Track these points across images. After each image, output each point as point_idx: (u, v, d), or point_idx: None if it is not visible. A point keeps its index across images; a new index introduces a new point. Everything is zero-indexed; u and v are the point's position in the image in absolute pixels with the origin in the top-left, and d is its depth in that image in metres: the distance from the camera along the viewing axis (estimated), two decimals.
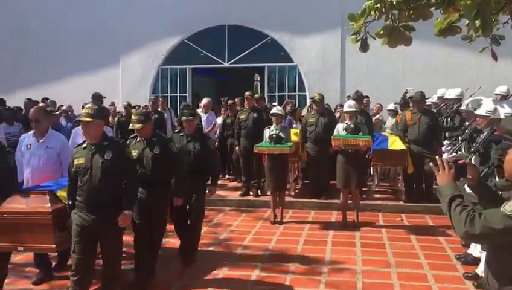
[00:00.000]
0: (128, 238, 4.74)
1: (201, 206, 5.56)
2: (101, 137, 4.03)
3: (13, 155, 4.42)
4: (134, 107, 9.59)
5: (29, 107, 8.90)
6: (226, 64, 13.41)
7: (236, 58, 13.30)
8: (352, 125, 6.82)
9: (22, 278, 5.01)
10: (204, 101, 10.29)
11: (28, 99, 9.39)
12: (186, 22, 13.10)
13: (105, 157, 3.93)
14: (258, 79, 14.97)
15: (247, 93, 9.00)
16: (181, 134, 5.59)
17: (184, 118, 5.56)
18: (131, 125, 4.69)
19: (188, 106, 11.19)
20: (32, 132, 4.87)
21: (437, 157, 2.52)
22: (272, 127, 7.31)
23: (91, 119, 3.92)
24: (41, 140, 4.81)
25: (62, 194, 4.20)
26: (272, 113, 7.40)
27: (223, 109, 10.79)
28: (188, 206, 5.40)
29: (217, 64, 13.54)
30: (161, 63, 13.72)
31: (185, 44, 13.53)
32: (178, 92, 13.86)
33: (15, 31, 13.90)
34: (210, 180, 5.63)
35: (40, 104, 9.60)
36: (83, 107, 4.33)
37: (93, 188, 3.91)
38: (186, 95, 13.75)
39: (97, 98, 9.47)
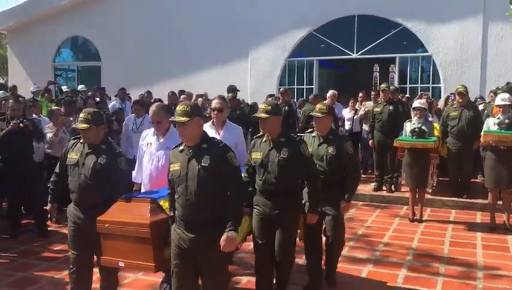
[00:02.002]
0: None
1: (339, 227, 4.43)
2: (200, 138, 3.28)
3: (125, 158, 3.97)
4: (260, 100, 9.75)
5: (172, 99, 9.57)
6: (355, 56, 13.09)
7: (365, 49, 12.92)
8: (506, 120, 6.26)
9: None
10: (330, 92, 10.16)
11: (171, 92, 10.02)
12: (315, 14, 12.99)
13: (203, 164, 3.16)
14: (378, 70, 14.41)
15: (382, 86, 8.69)
16: (313, 135, 4.52)
17: (312, 114, 4.46)
18: (257, 113, 3.96)
19: (305, 100, 11.19)
20: (153, 129, 4.48)
21: None
22: (414, 120, 6.99)
23: (187, 118, 3.16)
24: (162, 140, 4.34)
25: (166, 204, 3.57)
26: (414, 107, 7.05)
27: (351, 102, 10.61)
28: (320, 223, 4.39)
29: (345, 56, 13.27)
30: (288, 55, 13.81)
31: (313, 36, 13.45)
32: (304, 84, 13.87)
33: (155, 27, 14.85)
34: (346, 193, 4.39)
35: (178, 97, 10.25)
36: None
37: (189, 201, 3.19)
38: (313, 87, 13.70)
39: (233, 90, 9.81)
